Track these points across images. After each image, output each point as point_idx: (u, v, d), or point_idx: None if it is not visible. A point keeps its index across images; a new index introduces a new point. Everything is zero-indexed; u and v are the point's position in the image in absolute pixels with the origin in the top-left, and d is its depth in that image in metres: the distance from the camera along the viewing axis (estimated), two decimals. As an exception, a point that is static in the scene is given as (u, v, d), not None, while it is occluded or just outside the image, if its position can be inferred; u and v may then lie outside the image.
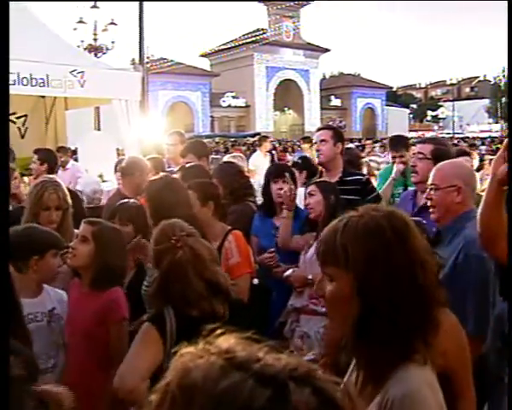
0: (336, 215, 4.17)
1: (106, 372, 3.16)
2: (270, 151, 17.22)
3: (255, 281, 4.24)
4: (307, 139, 17.13)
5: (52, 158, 7.17)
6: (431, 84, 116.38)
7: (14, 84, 9.78)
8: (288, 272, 4.36)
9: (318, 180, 4.88)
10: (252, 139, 32.74)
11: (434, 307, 1.73)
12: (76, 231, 3.93)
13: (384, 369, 1.66)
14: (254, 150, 16.05)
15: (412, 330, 1.67)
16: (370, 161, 10.97)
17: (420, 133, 55.18)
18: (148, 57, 20.62)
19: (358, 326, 1.66)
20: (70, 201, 4.44)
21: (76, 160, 11.35)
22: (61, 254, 3.62)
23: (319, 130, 5.49)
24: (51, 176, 5.11)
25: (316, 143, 5.37)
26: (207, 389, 0.81)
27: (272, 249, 4.65)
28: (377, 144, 19.74)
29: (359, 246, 1.67)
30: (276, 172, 5.11)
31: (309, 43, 62.25)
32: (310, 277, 4.17)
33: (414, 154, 4.90)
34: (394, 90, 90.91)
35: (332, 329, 1.73)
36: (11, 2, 8.69)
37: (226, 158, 7.07)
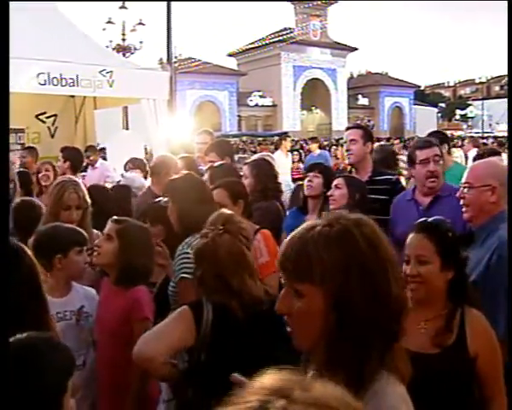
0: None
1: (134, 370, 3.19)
2: (297, 150, 17.21)
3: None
4: (315, 139, 17.11)
5: (76, 156, 7.20)
6: (460, 82, 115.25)
7: (44, 85, 9.90)
8: None
9: (347, 175, 4.87)
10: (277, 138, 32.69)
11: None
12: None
13: (361, 382, 1.56)
14: (276, 150, 16.07)
15: (388, 341, 1.61)
16: (399, 160, 10.89)
17: (448, 132, 54.65)
18: (175, 57, 20.69)
19: (331, 341, 1.57)
20: (89, 200, 4.50)
21: (104, 159, 11.41)
22: (88, 252, 3.65)
23: (348, 129, 5.43)
24: (70, 176, 5.16)
25: (345, 142, 5.33)
26: None
27: None
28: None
29: (335, 258, 1.56)
30: (308, 168, 5.14)
31: (336, 42, 61.98)
32: None
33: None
34: (422, 89, 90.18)
35: (298, 346, 1.59)
36: (41, 3, 8.79)
37: (257, 156, 7.05)
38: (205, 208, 3.54)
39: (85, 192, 4.51)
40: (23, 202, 5.07)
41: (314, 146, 15.92)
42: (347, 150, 5.25)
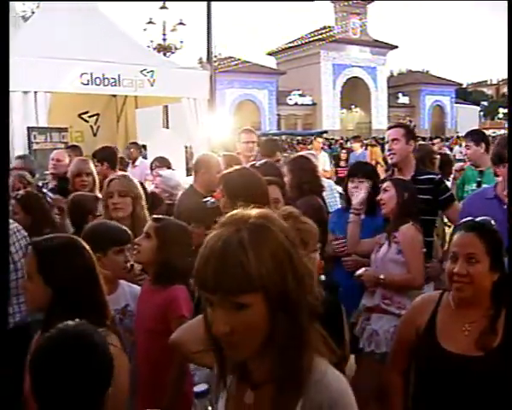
0: (410, 213, 4.09)
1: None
2: (345, 148, 17.19)
3: (322, 277, 4.21)
4: (357, 139, 17.04)
5: (110, 155, 7.27)
6: (503, 80, 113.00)
7: (87, 84, 10.08)
8: (360, 272, 4.29)
9: (394, 177, 4.83)
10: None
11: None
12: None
13: (300, 374, 1.57)
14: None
15: (313, 321, 1.64)
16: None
17: (491, 131, 53.78)
18: (215, 56, 20.81)
19: (281, 341, 1.55)
20: (141, 191, 4.54)
21: (145, 157, 11.55)
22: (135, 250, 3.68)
23: (390, 128, 5.34)
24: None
25: (387, 141, 5.27)
26: None
27: (341, 236, 4.62)
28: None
29: (267, 258, 1.51)
30: (352, 170, 5.10)
31: (376, 40, 61.48)
32: (382, 276, 4.15)
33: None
34: (464, 87, 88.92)
35: (239, 358, 1.52)
36: (84, 3, 8.93)
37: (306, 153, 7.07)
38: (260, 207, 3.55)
39: (135, 184, 4.56)
40: (77, 196, 5.19)
41: (356, 145, 15.89)
42: (389, 150, 5.18)
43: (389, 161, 5.48)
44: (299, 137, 37.15)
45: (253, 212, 1.63)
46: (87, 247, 2.55)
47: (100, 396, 1.87)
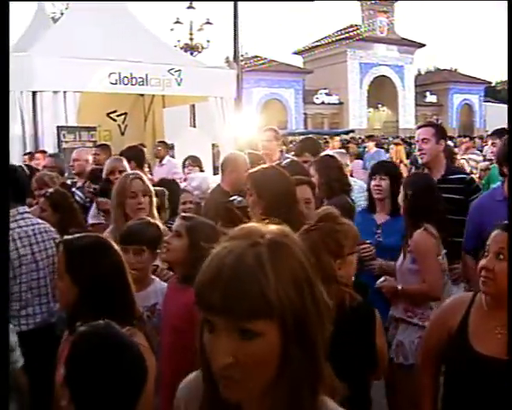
0: (419, 212, 3.94)
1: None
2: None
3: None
4: (372, 138, 16.96)
5: (137, 153, 7.31)
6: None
7: (115, 84, 10.19)
8: (380, 281, 4.17)
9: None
10: (344, 136, 32.45)
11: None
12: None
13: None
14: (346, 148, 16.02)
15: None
16: (469, 159, 10.67)
17: (521, 130, 52.94)
18: (242, 55, 20.83)
19: (288, 379, 1.30)
20: (153, 190, 4.51)
21: (172, 156, 11.62)
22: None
23: (420, 127, 5.27)
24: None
25: (417, 141, 5.21)
26: None
27: (369, 241, 4.57)
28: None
29: (287, 278, 1.28)
30: (374, 169, 5.05)
31: (403, 39, 60.97)
32: (399, 287, 4.03)
33: None
34: (493, 85, 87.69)
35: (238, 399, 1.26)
36: (112, 3, 9.01)
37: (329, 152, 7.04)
38: (289, 206, 3.53)
39: (148, 183, 4.56)
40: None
41: (371, 144, 15.84)
42: (420, 149, 5.12)
43: (419, 161, 5.41)
44: (326, 136, 37.06)
45: (271, 227, 1.41)
46: (115, 246, 2.56)
47: (135, 397, 1.88)
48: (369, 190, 4.91)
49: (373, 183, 4.83)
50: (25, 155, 8.92)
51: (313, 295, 1.34)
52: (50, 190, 5.27)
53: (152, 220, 3.86)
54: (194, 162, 8.37)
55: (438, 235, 4.01)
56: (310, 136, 8.10)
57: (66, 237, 2.65)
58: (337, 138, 15.77)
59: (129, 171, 5.77)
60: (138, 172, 4.69)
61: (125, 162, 6.16)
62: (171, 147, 12.01)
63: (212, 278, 1.32)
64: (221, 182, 5.62)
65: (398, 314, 4.09)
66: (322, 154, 6.04)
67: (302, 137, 8.13)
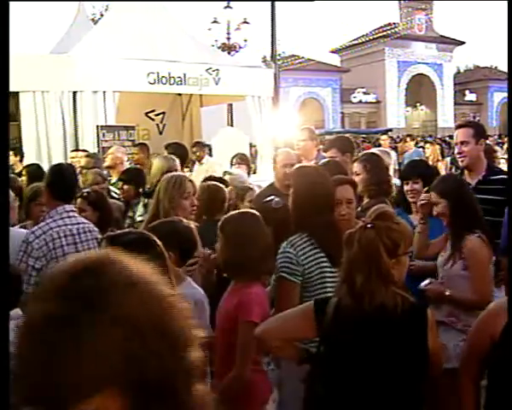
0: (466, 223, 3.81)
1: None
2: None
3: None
4: (410, 137, 16.78)
5: (182, 151, 7.36)
6: None
7: (154, 83, 10.29)
8: (425, 283, 4.03)
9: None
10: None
11: None
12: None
13: None
14: (379, 146, 15.87)
15: None
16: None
17: None
18: (279, 54, 20.84)
19: None
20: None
21: (210, 155, 11.69)
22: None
23: (459, 128, 5.12)
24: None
25: (456, 143, 5.09)
26: None
27: None
28: None
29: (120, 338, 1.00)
30: (405, 172, 4.99)
31: (442, 36, 60.20)
32: (447, 292, 3.90)
33: None
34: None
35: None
36: (151, 3, 9.13)
37: (375, 151, 7.00)
38: (320, 211, 3.54)
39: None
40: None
41: (410, 144, 15.68)
42: (459, 153, 4.99)
43: (460, 164, 5.26)
44: (364, 135, 36.80)
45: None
46: (159, 242, 2.60)
47: None
48: (403, 192, 4.86)
49: (406, 187, 4.78)
50: (72, 151, 9.06)
51: (171, 347, 1.05)
52: (86, 190, 5.37)
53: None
54: (242, 160, 8.42)
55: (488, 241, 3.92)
56: (341, 135, 8.07)
57: (109, 233, 2.69)
58: (386, 137, 15.59)
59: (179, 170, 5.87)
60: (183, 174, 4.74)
61: (177, 162, 6.23)
62: (209, 149, 12.05)
63: (20, 360, 0.99)
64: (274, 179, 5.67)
65: (440, 317, 3.92)
66: (368, 153, 5.97)
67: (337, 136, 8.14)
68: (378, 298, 2.61)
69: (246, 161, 8.48)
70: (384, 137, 15.54)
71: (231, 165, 8.58)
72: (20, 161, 8.75)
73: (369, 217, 2.76)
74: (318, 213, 3.55)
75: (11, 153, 8.90)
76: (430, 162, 11.80)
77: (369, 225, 2.66)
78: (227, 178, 6.57)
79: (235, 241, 3.36)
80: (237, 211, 3.72)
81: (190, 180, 4.48)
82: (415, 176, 4.74)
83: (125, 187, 6.36)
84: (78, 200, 5.08)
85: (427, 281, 4.05)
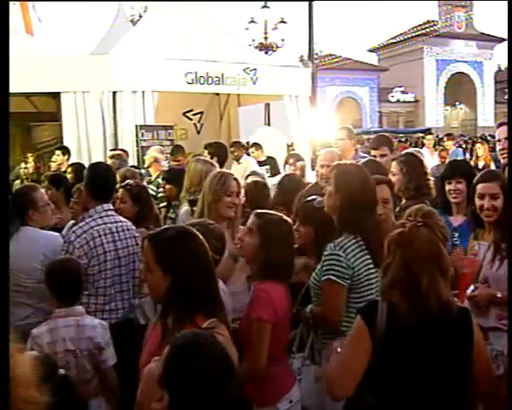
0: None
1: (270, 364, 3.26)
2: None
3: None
4: (450, 136, 16.48)
5: (221, 151, 7.41)
6: None
7: (192, 83, 10.36)
8: (471, 289, 3.85)
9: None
10: (420, 135, 31.87)
11: None
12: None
13: None
14: (422, 146, 15.66)
15: None
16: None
17: None
18: (316, 54, 20.80)
19: None
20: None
21: (248, 154, 11.72)
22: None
23: (501, 125, 5.07)
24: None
25: (499, 140, 5.02)
26: None
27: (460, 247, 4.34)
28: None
29: None
30: (447, 171, 4.91)
31: (483, 34, 59.25)
32: (499, 295, 3.72)
33: None
34: None
35: None
36: (189, 3, 9.19)
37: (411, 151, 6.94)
38: (367, 210, 3.51)
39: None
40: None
41: (449, 143, 15.45)
42: (502, 149, 4.92)
43: (501, 161, 5.19)
44: (401, 135, 36.48)
45: None
46: (201, 237, 2.62)
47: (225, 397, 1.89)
48: (443, 192, 4.79)
49: (449, 187, 4.69)
50: (111, 150, 9.18)
51: None
52: (130, 182, 5.42)
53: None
54: (298, 159, 8.39)
55: None
56: (382, 133, 8.02)
57: (150, 232, 2.72)
58: (430, 137, 15.35)
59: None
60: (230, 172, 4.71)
61: (217, 167, 6.26)
62: (247, 148, 12.09)
63: None
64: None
65: (488, 324, 3.78)
66: (407, 154, 5.90)
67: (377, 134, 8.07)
68: (444, 296, 2.56)
69: (300, 159, 8.41)
70: (429, 137, 15.26)
71: (288, 165, 8.54)
72: (68, 160, 8.88)
73: (410, 216, 2.68)
74: (367, 212, 3.52)
75: (58, 152, 9.05)
76: (483, 162, 11.61)
77: (419, 224, 2.60)
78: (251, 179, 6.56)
79: (273, 242, 3.37)
80: (274, 213, 3.69)
81: (235, 178, 4.45)
82: (458, 175, 4.67)
83: (167, 186, 6.35)
84: (121, 190, 5.15)
85: (472, 287, 3.88)
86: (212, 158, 6.65)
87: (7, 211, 2.32)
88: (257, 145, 11.37)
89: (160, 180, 7.26)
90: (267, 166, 10.58)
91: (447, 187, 4.70)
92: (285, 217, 3.67)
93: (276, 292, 3.32)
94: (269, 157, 11.09)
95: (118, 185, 5.16)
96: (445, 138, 16.73)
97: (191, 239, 2.57)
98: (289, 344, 3.63)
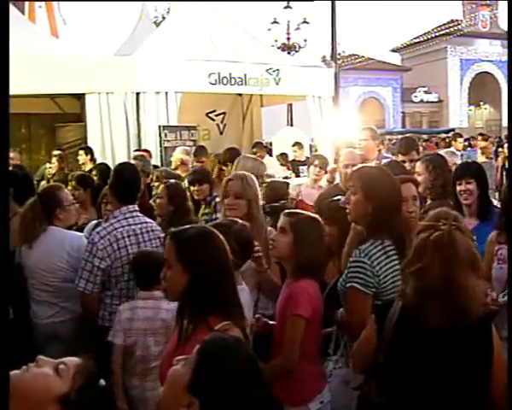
0: None
1: (307, 363, 3.28)
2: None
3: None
4: (457, 135, 16.27)
5: (234, 157, 7.37)
6: None
7: (214, 84, 10.40)
8: (501, 296, 3.68)
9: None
10: (444, 136, 31.63)
11: None
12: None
13: None
14: (449, 146, 15.49)
15: None
16: None
17: None
18: (339, 54, 20.74)
19: None
20: (258, 192, 4.46)
21: (270, 154, 11.74)
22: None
23: None
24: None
25: None
26: None
27: None
28: None
29: None
30: (458, 172, 4.85)
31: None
32: None
33: None
34: None
35: None
36: (211, 3, 9.21)
37: (442, 152, 6.87)
38: (397, 212, 3.46)
39: (252, 185, 4.52)
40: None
41: (459, 143, 15.21)
42: None
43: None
44: (425, 136, 36.23)
45: None
46: (221, 237, 2.63)
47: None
48: (455, 194, 4.68)
49: (459, 188, 4.62)
50: (135, 150, 9.24)
51: None
52: (172, 181, 5.48)
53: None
54: (322, 164, 8.32)
55: None
56: (408, 135, 7.94)
57: (172, 229, 2.73)
58: (461, 139, 15.12)
59: None
60: (242, 174, 4.67)
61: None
62: (269, 149, 12.08)
63: None
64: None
65: None
66: (432, 153, 5.86)
67: (401, 136, 7.99)
68: (482, 300, 2.55)
69: (325, 161, 8.35)
70: (460, 139, 15.00)
71: (313, 166, 8.51)
72: (91, 160, 8.96)
73: (439, 218, 2.60)
74: (397, 214, 3.48)
75: (81, 152, 9.14)
76: None
77: (453, 227, 2.53)
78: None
79: (307, 240, 3.41)
80: (304, 212, 3.71)
81: (230, 179, 4.49)
82: (468, 176, 4.61)
83: (202, 186, 6.21)
84: (161, 186, 5.25)
85: (493, 293, 3.72)
86: (226, 166, 6.66)
87: (7, 211, 2.35)
88: (299, 145, 11.35)
89: (187, 181, 7.28)
90: (306, 167, 10.51)
91: (458, 188, 4.62)
92: (315, 215, 3.69)
93: (312, 289, 3.37)
94: (308, 157, 11.06)
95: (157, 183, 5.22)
96: (480, 138, 16.47)
97: (210, 239, 2.58)
98: (325, 345, 3.63)
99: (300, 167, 10.38)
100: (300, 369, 3.25)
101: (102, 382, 1.76)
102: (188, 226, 2.72)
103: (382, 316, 2.64)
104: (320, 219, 3.68)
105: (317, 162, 8.05)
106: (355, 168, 3.91)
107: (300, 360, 3.25)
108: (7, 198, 2.80)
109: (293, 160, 11.17)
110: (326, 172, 7.87)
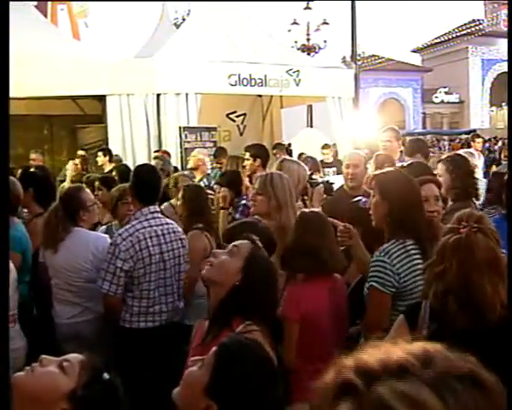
0: None
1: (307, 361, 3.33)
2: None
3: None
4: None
5: (264, 153, 7.42)
6: None
7: (235, 85, 10.43)
8: None
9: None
10: (465, 136, 31.40)
11: None
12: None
13: None
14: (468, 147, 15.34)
15: None
16: None
17: None
18: (359, 55, 20.69)
19: None
20: (284, 194, 4.35)
21: (290, 155, 11.73)
22: None
23: None
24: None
25: None
26: None
27: None
28: None
29: None
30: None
31: (531, 32, 58.21)
32: None
33: None
34: None
35: None
36: (231, 4, 9.22)
37: (462, 152, 6.80)
38: (417, 212, 3.47)
39: (274, 183, 4.52)
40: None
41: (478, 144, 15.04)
42: None
43: None
44: (446, 137, 36.02)
45: None
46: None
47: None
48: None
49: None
50: (155, 151, 9.29)
51: None
52: (190, 183, 5.50)
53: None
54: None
55: None
56: (418, 137, 7.90)
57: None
58: (480, 140, 14.97)
59: None
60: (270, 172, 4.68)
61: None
62: (289, 151, 12.06)
63: None
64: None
65: None
66: (453, 154, 5.80)
67: (411, 138, 7.90)
68: (503, 300, 2.48)
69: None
70: (479, 140, 14.84)
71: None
72: (110, 161, 9.01)
73: (462, 221, 2.59)
74: (417, 212, 3.48)
75: (100, 153, 9.21)
76: None
77: (475, 229, 2.52)
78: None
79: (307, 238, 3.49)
80: (313, 209, 3.77)
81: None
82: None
83: (224, 189, 6.15)
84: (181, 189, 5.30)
85: None
86: (254, 160, 6.63)
87: (7, 210, 2.37)
88: (327, 146, 11.31)
89: (205, 181, 7.33)
90: (334, 169, 10.47)
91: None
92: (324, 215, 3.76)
93: (309, 292, 3.43)
94: (336, 159, 11.05)
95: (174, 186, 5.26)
96: (474, 139, 16.29)
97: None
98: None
99: (326, 169, 10.33)
100: (299, 369, 3.29)
101: (106, 376, 1.78)
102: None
103: (413, 316, 2.63)
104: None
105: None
106: (375, 172, 3.95)
107: (299, 360, 3.32)
108: (7, 198, 2.83)
109: (321, 161, 11.16)
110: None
